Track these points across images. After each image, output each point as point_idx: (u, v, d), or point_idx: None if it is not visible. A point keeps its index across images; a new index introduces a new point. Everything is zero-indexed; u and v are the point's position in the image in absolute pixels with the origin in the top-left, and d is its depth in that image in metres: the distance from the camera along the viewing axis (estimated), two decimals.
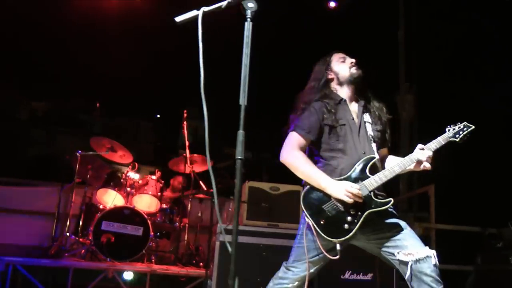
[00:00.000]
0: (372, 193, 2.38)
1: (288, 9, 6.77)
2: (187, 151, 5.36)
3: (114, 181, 5.37)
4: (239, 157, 1.49)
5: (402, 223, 2.40)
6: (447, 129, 2.49)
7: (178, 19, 1.80)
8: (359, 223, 2.33)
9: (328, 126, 2.50)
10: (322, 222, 2.35)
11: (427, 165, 2.42)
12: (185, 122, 5.56)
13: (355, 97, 2.68)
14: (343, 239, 2.32)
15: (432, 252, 2.28)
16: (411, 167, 2.47)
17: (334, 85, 2.68)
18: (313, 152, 2.58)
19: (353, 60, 2.68)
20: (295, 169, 2.45)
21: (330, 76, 2.68)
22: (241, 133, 1.51)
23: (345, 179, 2.41)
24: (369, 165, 2.43)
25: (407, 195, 6.30)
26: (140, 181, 5.47)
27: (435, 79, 6.86)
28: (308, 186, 2.44)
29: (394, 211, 2.48)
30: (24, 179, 6.62)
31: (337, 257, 2.34)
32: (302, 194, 2.43)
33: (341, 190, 2.33)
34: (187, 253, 5.26)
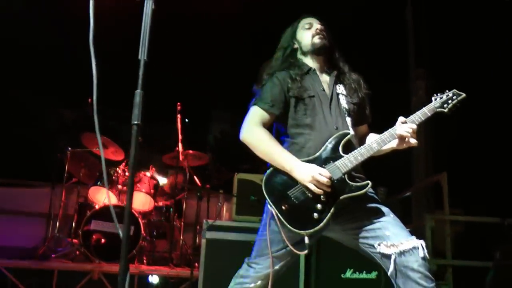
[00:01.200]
0: (346, 175, 2.00)
1: None
2: (180, 145, 5.09)
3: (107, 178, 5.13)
4: (135, 121, 1.17)
5: (384, 209, 2.02)
6: (433, 98, 2.09)
7: None
8: (330, 211, 1.96)
9: (294, 97, 2.13)
10: (286, 210, 2.00)
11: (412, 141, 2.03)
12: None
13: (325, 68, 2.31)
14: (311, 230, 1.95)
15: (420, 243, 1.89)
16: (393, 144, 2.09)
17: (299, 54, 2.33)
18: (279, 130, 2.23)
19: (318, 27, 2.28)
20: (255, 148, 2.10)
21: (295, 46, 2.33)
22: (138, 93, 1.19)
23: (314, 159, 2.04)
24: (343, 142, 2.06)
25: (418, 185, 5.83)
26: None
27: (447, 63, 6.36)
28: (271, 168, 2.10)
29: (375, 196, 2.10)
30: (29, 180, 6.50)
31: (306, 252, 1.97)
32: (264, 177, 2.09)
33: (308, 175, 1.96)
34: (182, 253, 4.98)
